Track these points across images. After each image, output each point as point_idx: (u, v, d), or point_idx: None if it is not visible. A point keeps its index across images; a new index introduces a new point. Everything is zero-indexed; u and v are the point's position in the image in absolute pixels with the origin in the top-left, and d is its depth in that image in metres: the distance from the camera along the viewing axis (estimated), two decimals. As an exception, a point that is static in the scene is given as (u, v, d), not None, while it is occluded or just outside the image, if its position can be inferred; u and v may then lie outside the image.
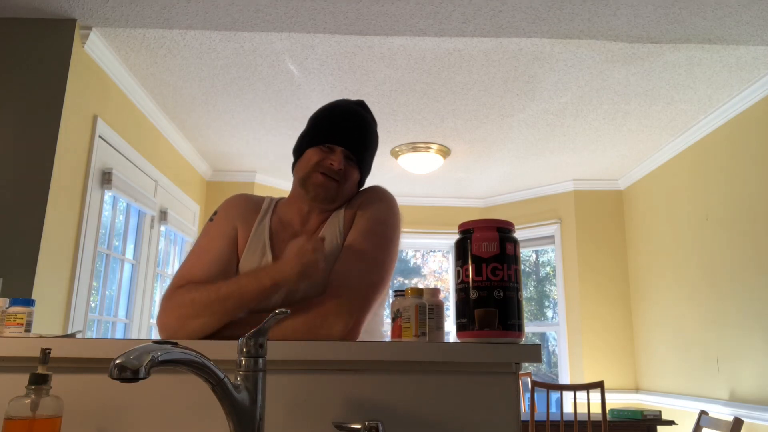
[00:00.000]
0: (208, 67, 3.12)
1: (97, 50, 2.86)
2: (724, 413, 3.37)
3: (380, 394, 0.98)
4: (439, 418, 0.97)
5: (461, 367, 0.99)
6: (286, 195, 1.43)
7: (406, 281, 6.24)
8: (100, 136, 2.97)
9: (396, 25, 2.70)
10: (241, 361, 0.83)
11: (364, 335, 1.21)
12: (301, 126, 1.41)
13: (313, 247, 1.12)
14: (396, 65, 3.08)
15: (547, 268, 5.85)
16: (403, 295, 1.12)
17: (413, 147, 4.21)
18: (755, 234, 3.25)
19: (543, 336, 5.54)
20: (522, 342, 0.99)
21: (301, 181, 1.32)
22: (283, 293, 1.16)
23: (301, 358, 0.98)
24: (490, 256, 0.99)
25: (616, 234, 4.93)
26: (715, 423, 3.02)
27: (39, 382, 0.86)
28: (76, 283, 2.78)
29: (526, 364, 4.89)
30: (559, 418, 3.33)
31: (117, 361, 0.68)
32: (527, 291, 5.79)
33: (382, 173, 4.82)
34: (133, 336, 3.55)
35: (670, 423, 3.33)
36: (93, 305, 3.14)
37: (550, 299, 5.73)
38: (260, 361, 0.83)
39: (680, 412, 3.89)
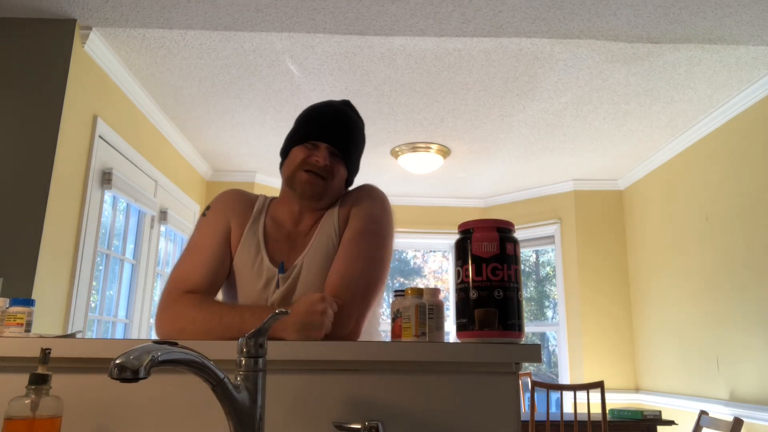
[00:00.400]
0: (208, 67, 3.12)
1: (97, 50, 2.86)
2: (724, 413, 3.37)
3: (380, 394, 0.98)
4: (439, 418, 0.97)
5: (461, 367, 0.99)
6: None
7: (407, 281, 6.24)
8: (100, 136, 2.97)
9: (396, 25, 2.70)
10: (241, 361, 0.83)
11: (362, 334, 1.21)
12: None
13: (323, 310, 1.10)
14: (396, 65, 3.08)
15: (547, 268, 5.85)
16: (403, 295, 1.13)
17: (413, 147, 4.21)
18: (755, 234, 3.25)
19: (543, 336, 5.54)
20: (522, 342, 0.99)
21: (288, 180, 1.32)
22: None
23: (301, 358, 0.98)
24: (490, 256, 0.99)
25: (616, 234, 4.93)
26: (715, 423, 3.02)
27: (39, 382, 0.86)
28: (76, 283, 2.78)
29: (526, 364, 4.90)
30: (559, 418, 3.33)
31: (117, 361, 0.68)
32: (527, 291, 5.79)
33: (382, 173, 4.82)
34: (133, 336, 3.55)
35: (670, 423, 3.33)
36: (93, 305, 3.14)
37: (550, 299, 5.73)
38: (260, 361, 0.83)
39: (680, 412, 3.89)
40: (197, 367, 0.76)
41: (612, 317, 4.76)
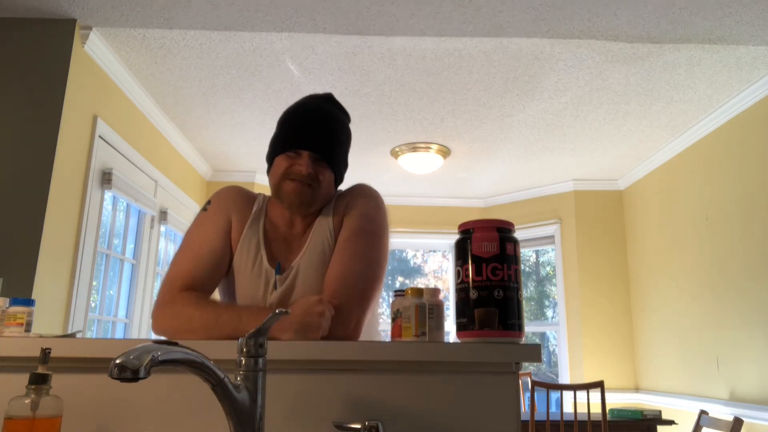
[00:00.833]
0: (208, 67, 3.12)
1: (97, 50, 2.86)
2: (724, 413, 3.37)
3: (380, 394, 0.98)
4: (439, 418, 0.97)
5: (461, 367, 0.99)
6: None
7: (407, 281, 6.24)
8: (100, 136, 2.97)
9: (396, 25, 2.70)
10: (241, 360, 0.83)
11: (362, 334, 1.21)
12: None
13: (321, 312, 1.10)
14: (396, 65, 3.08)
15: (547, 268, 5.85)
16: (403, 295, 1.13)
17: (413, 147, 4.21)
18: (755, 234, 3.25)
19: (543, 336, 5.54)
20: (522, 342, 0.99)
21: (275, 190, 1.30)
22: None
23: (301, 358, 0.98)
24: (490, 256, 0.99)
25: (616, 234, 4.93)
26: (715, 423, 3.02)
27: (39, 381, 0.86)
28: (76, 283, 2.78)
29: (526, 364, 4.90)
30: (559, 418, 3.33)
31: (117, 361, 0.68)
32: (527, 291, 5.79)
33: (382, 173, 4.82)
34: (133, 336, 3.55)
35: (670, 423, 3.33)
36: (93, 305, 3.14)
37: (550, 299, 5.73)
38: (260, 361, 0.83)
39: (680, 412, 3.89)
40: (197, 367, 0.76)
41: (612, 317, 4.76)
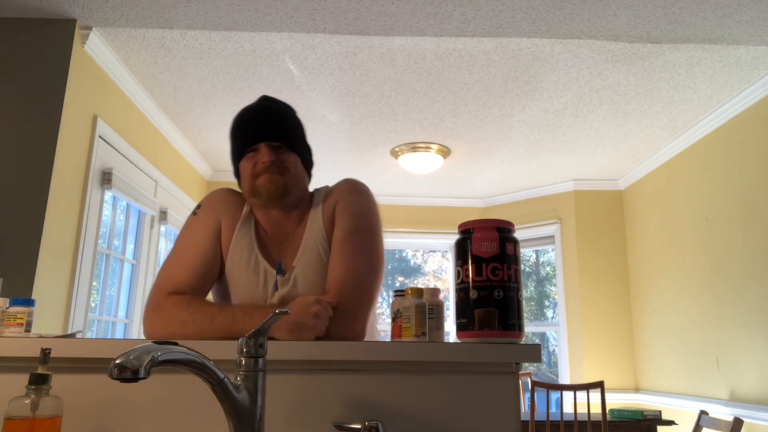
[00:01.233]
0: (208, 67, 3.12)
1: (97, 50, 2.86)
2: (724, 413, 3.37)
3: (380, 394, 0.98)
4: (438, 418, 0.97)
5: (461, 367, 0.99)
6: None
7: (407, 281, 6.24)
8: (100, 136, 2.97)
9: (396, 25, 2.70)
10: (241, 361, 0.83)
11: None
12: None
13: (316, 312, 1.09)
14: (396, 65, 3.08)
15: (547, 268, 5.85)
16: (403, 295, 1.13)
17: (413, 147, 4.21)
18: (755, 234, 3.25)
19: (543, 336, 5.54)
20: (522, 342, 0.99)
21: (251, 192, 1.28)
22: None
23: (301, 358, 0.98)
24: (490, 256, 0.99)
25: (616, 234, 4.93)
26: (715, 423, 3.02)
27: (39, 382, 0.86)
28: (76, 283, 2.78)
29: (526, 364, 4.90)
30: (559, 418, 3.33)
31: (117, 361, 0.68)
32: (527, 291, 5.79)
33: (382, 173, 4.82)
34: (133, 336, 3.55)
35: (670, 423, 3.33)
36: (93, 305, 3.14)
37: (550, 299, 5.73)
38: (260, 361, 0.83)
39: (680, 412, 3.89)
40: (197, 367, 0.76)
41: (612, 317, 4.77)
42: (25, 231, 2.48)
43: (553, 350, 5.34)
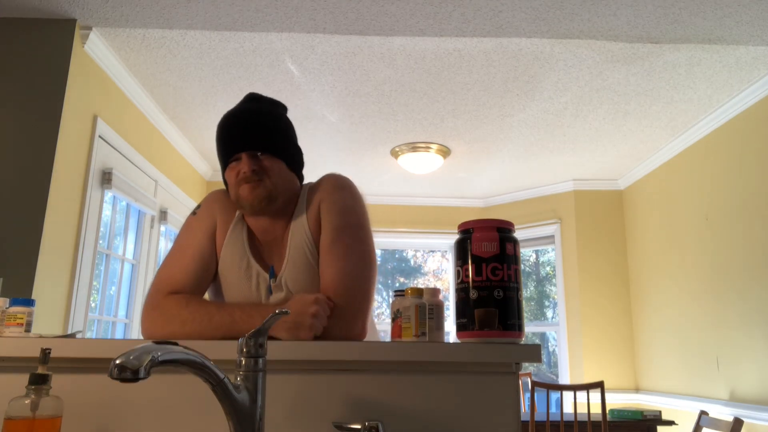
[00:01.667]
0: (208, 67, 3.12)
1: (97, 50, 2.86)
2: (724, 413, 3.38)
3: (380, 394, 0.98)
4: (439, 418, 0.97)
5: (461, 367, 0.99)
6: None
7: (407, 281, 6.24)
8: (100, 136, 2.97)
9: (396, 25, 2.70)
10: (241, 361, 0.83)
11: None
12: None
13: (314, 312, 1.09)
14: (396, 65, 3.08)
15: (547, 268, 5.85)
16: (403, 295, 1.13)
17: (413, 147, 4.21)
18: (755, 234, 3.25)
19: (543, 336, 5.54)
20: (522, 342, 0.99)
21: (237, 204, 1.28)
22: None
23: (301, 358, 0.98)
24: (490, 256, 0.99)
25: (616, 234, 4.94)
26: (715, 423, 3.02)
27: (39, 382, 0.86)
28: (76, 283, 2.78)
29: (526, 364, 4.90)
30: (559, 418, 3.33)
31: (117, 361, 0.68)
32: (527, 291, 5.79)
33: (382, 173, 4.82)
34: (133, 336, 3.55)
35: (670, 423, 3.33)
36: (93, 305, 3.14)
37: (550, 299, 5.73)
38: (260, 361, 0.83)
39: (680, 412, 3.89)
40: (197, 367, 0.76)
41: (612, 317, 4.77)
42: (25, 231, 2.48)
43: (553, 350, 5.34)
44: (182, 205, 4.27)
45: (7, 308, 1.17)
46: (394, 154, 4.35)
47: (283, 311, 0.84)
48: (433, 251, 6.11)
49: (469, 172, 4.81)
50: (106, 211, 3.22)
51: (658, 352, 4.31)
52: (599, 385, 3.15)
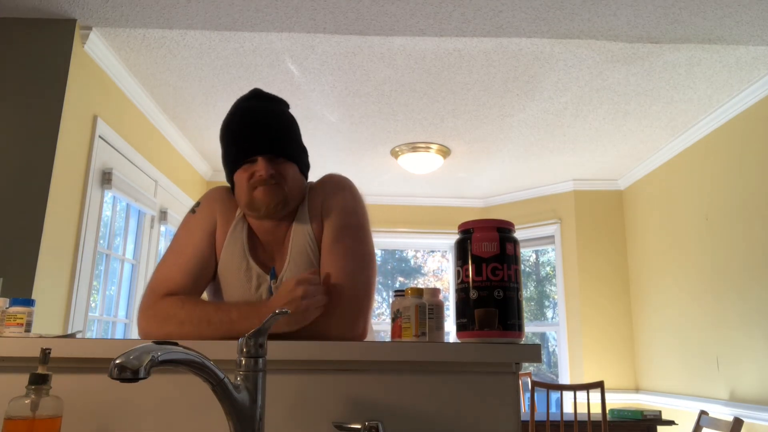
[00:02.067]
0: (208, 67, 3.12)
1: (97, 50, 2.86)
2: (724, 413, 3.37)
3: (380, 394, 0.98)
4: (439, 418, 0.97)
5: (461, 367, 0.99)
6: None
7: (407, 281, 6.24)
8: (100, 136, 2.97)
9: (396, 25, 2.70)
10: (241, 361, 0.83)
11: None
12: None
13: (302, 294, 1.08)
14: (396, 65, 3.08)
15: (547, 268, 5.85)
16: (403, 295, 1.13)
17: (413, 147, 4.21)
18: (755, 234, 3.25)
19: (543, 336, 5.54)
20: (522, 342, 0.99)
21: (247, 205, 1.25)
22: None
23: (301, 358, 0.98)
24: (490, 256, 0.99)
25: (616, 234, 4.93)
26: (715, 423, 3.02)
27: (39, 382, 0.86)
28: (76, 283, 2.78)
29: (526, 364, 4.90)
30: (559, 418, 3.33)
31: (117, 361, 0.68)
32: (527, 291, 5.79)
33: (382, 173, 4.82)
34: (133, 336, 3.55)
35: (670, 423, 3.33)
36: (93, 305, 3.14)
37: (550, 299, 5.73)
38: (260, 361, 0.83)
39: (680, 412, 3.89)
40: (197, 367, 0.76)
41: (612, 317, 4.77)
42: (25, 231, 2.48)
43: (553, 350, 5.34)
44: (182, 205, 4.27)
45: (7, 308, 1.17)
46: (394, 154, 4.35)
47: (283, 311, 0.84)
48: (433, 251, 6.11)
49: (469, 172, 4.81)
50: (106, 211, 3.22)
51: (658, 352, 4.31)
52: (599, 385, 3.15)
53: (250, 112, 1.28)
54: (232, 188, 1.30)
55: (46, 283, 2.54)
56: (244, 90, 3.51)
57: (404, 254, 6.27)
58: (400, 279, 6.29)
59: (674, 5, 2.52)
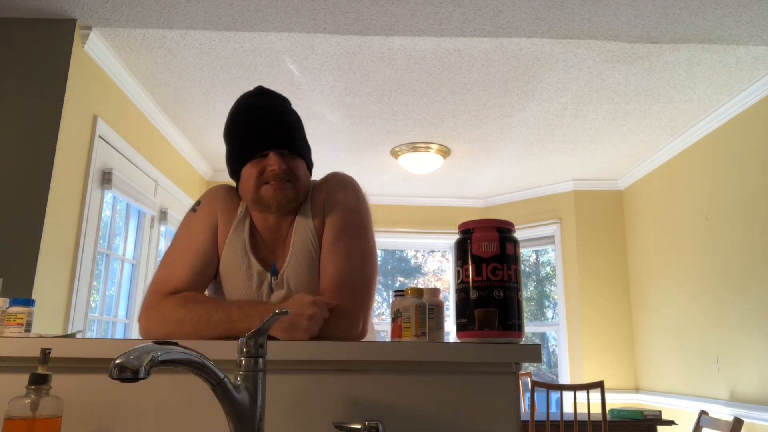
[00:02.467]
0: (208, 67, 3.12)
1: (97, 50, 2.86)
2: (724, 413, 3.37)
3: (380, 394, 0.98)
4: (439, 418, 0.97)
5: (461, 367, 0.99)
6: None
7: (407, 281, 6.24)
8: (100, 136, 2.97)
9: (396, 25, 2.70)
10: (241, 361, 0.83)
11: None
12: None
13: (311, 315, 1.07)
14: (396, 65, 3.08)
15: (547, 268, 5.85)
16: (403, 295, 1.13)
17: (413, 147, 4.21)
18: (755, 234, 3.25)
19: (543, 336, 5.54)
20: (522, 342, 0.99)
21: (255, 201, 1.24)
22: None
23: (301, 358, 0.98)
24: (490, 256, 0.99)
25: (616, 234, 4.93)
26: (715, 423, 3.02)
27: (39, 382, 0.86)
28: (76, 283, 2.78)
29: (526, 364, 4.90)
30: (559, 418, 3.33)
31: (117, 361, 0.68)
32: (527, 291, 5.79)
33: (382, 173, 4.82)
34: (133, 336, 3.55)
35: (670, 423, 3.33)
36: (93, 305, 3.14)
37: (550, 299, 5.73)
38: (260, 361, 0.83)
39: (680, 412, 3.89)
40: (197, 367, 0.76)
41: (612, 317, 4.77)
42: (25, 231, 2.48)
43: (553, 350, 5.34)
44: (182, 205, 4.27)
45: (7, 308, 1.17)
46: (394, 154, 4.35)
47: (283, 311, 0.83)
48: (433, 251, 6.11)
49: (469, 172, 4.81)
50: (106, 212, 3.22)
51: (658, 352, 4.31)
52: (599, 385, 3.15)
53: (259, 107, 1.29)
54: (237, 184, 1.30)
55: (46, 283, 2.54)
56: (244, 90, 3.50)
57: (404, 254, 6.27)
58: (400, 279, 6.29)
59: (674, 5, 2.52)
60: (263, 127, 1.25)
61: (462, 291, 1.00)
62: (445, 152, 4.29)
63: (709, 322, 3.67)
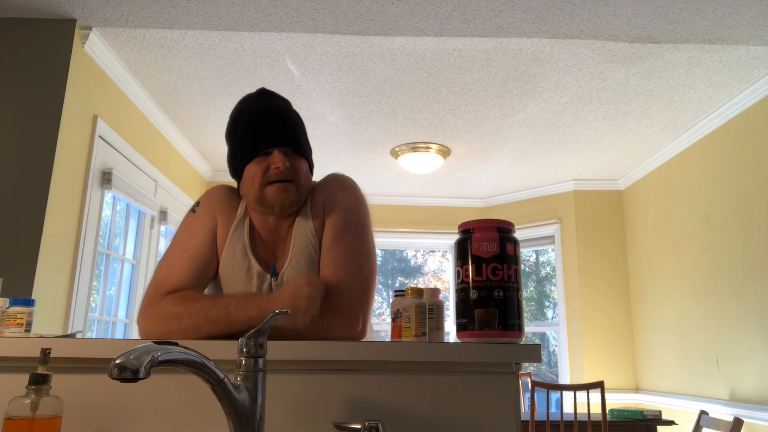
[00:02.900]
0: (208, 67, 3.12)
1: (97, 50, 2.86)
2: (724, 413, 3.37)
3: (380, 394, 0.98)
4: (439, 418, 0.97)
5: (461, 367, 0.99)
6: None
7: (407, 281, 6.24)
8: (100, 136, 2.97)
9: (396, 25, 2.70)
10: (241, 361, 0.83)
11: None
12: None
13: (308, 295, 1.08)
14: (396, 65, 3.08)
15: (547, 268, 5.85)
16: (403, 295, 1.13)
17: (413, 147, 4.21)
18: (755, 234, 3.25)
19: (543, 336, 5.54)
20: (522, 342, 0.99)
21: (258, 200, 1.24)
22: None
23: (301, 358, 0.98)
24: (490, 256, 0.99)
25: (616, 234, 4.93)
26: (715, 423, 3.02)
27: (39, 382, 0.86)
28: (76, 283, 2.78)
29: (526, 364, 4.90)
30: (559, 418, 3.33)
31: (117, 361, 0.68)
32: (527, 291, 5.79)
33: (382, 173, 4.82)
34: (133, 336, 3.55)
35: (670, 423, 3.33)
36: (93, 305, 3.14)
37: (550, 299, 5.73)
38: (260, 361, 0.83)
39: (680, 412, 3.89)
40: (197, 367, 0.76)
41: (612, 317, 4.77)
42: (25, 231, 2.48)
43: (553, 350, 5.34)
44: (182, 205, 4.27)
45: (7, 308, 1.17)
46: (394, 154, 4.35)
47: (284, 311, 0.83)
48: (433, 251, 6.11)
49: (469, 172, 4.81)
50: (106, 211, 3.22)
51: (658, 352, 4.31)
52: (599, 385, 3.15)
53: (263, 107, 1.30)
54: (238, 183, 1.30)
55: (46, 283, 2.54)
56: (244, 90, 3.51)
57: (404, 254, 6.27)
58: (400, 279, 6.29)
59: (674, 5, 2.52)
60: (268, 125, 1.25)
61: (462, 291, 1.00)
62: (445, 152, 4.29)
63: (708, 322, 3.67)
